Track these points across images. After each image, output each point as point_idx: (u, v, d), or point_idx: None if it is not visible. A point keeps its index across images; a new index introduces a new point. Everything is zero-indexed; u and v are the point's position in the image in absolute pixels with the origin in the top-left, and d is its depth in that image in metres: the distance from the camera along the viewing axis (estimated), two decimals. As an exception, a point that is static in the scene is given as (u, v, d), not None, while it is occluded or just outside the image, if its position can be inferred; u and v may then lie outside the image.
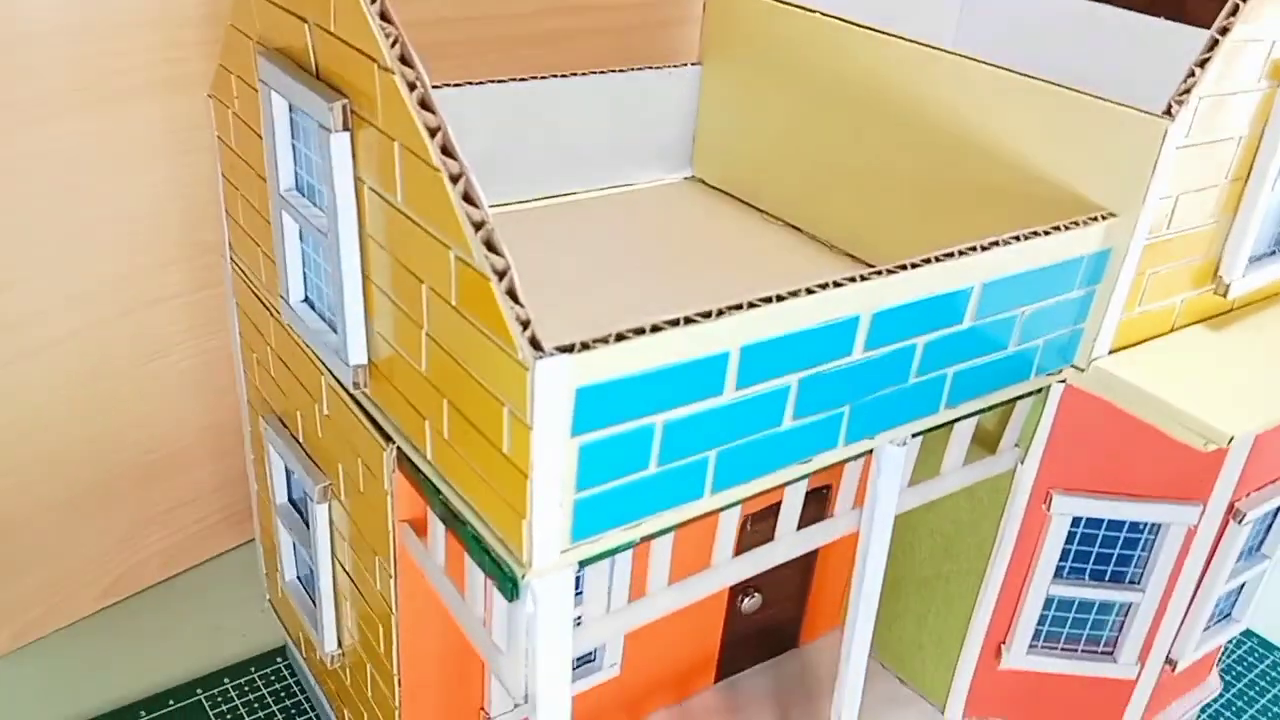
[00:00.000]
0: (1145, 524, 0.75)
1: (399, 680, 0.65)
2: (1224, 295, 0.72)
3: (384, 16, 0.49)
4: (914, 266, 0.56)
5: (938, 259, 0.57)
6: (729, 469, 0.55)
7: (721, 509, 0.57)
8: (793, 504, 0.64)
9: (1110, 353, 0.69)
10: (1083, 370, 0.69)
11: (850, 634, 0.69)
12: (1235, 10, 0.62)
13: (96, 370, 0.92)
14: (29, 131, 0.81)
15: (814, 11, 0.80)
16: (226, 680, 0.92)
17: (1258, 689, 1.01)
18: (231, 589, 1.02)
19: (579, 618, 0.55)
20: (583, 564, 0.51)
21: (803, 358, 0.54)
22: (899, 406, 0.61)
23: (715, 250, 0.83)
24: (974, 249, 0.59)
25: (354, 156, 0.55)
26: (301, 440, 0.72)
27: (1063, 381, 0.69)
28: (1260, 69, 0.65)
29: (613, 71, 0.88)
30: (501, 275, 0.46)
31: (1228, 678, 1.01)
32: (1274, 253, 0.75)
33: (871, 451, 0.62)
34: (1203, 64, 0.62)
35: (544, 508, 0.48)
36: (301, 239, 0.64)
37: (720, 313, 0.50)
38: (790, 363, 0.54)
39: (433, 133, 0.48)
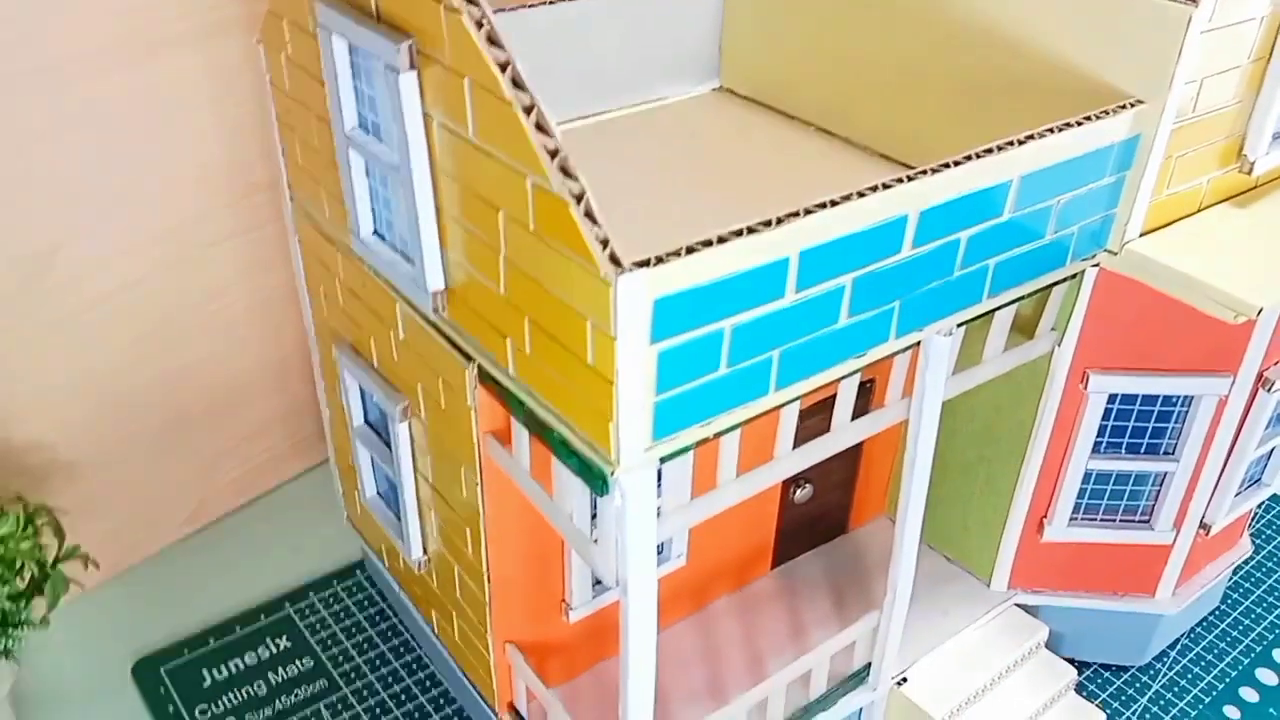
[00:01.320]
0: (1178, 397, 0.79)
1: (488, 578, 0.70)
2: (1249, 173, 0.75)
3: (447, -42, 0.51)
4: (956, 164, 0.59)
5: (978, 155, 0.60)
6: (791, 366, 0.59)
7: (784, 404, 0.61)
8: (846, 397, 0.68)
9: (1141, 235, 0.72)
10: (1115, 253, 0.72)
11: (903, 513, 0.74)
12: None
13: (161, 316, 0.96)
14: (74, 90, 0.83)
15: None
16: (312, 594, 0.98)
17: (1287, 548, 1.06)
18: (305, 511, 1.08)
19: (659, 509, 0.59)
20: (664, 460, 0.56)
21: (856, 258, 0.57)
22: (945, 299, 0.64)
23: (752, 159, 0.85)
24: (1012, 143, 0.61)
25: (421, 93, 0.58)
26: (377, 365, 0.76)
27: (1096, 265, 0.72)
28: (1282, -53, 0.67)
29: (634, -15, 0.90)
30: (579, 198, 0.49)
31: (1258, 540, 1.06)
32: (1297, 129, 0.77)
33: (919, 343, 0.66)
34: (1225, -54, 0.64)
35: (628, 411, 0.52)
36: (368, 174, 0.67)
37: (780, 221, 0.53)
38: (845, 264, 0.57)
39: (503, 67, 0.51)
